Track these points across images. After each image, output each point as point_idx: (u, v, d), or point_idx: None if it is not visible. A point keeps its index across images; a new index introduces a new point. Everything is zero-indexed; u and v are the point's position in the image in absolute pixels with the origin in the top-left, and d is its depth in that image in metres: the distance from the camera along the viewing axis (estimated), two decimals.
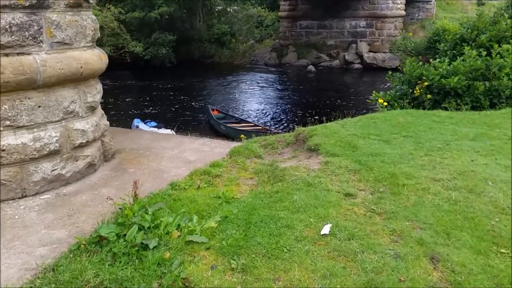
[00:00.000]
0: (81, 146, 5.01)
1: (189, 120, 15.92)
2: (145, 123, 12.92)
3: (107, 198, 4.22)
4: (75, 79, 4.83)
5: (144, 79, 23.90)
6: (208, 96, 20.52)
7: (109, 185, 4.94)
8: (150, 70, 25.79)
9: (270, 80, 25.13)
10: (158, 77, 24.11)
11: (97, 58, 5.13)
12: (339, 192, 4.36)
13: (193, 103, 18.46)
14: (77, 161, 4.98)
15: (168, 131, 11.98)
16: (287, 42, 30.86)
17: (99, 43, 22.15)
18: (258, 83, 23.88)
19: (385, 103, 8.69)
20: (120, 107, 17.55)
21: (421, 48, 24.72)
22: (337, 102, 18.77)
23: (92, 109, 5.21)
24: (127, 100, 19.48)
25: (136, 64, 26.32)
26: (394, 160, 5.06)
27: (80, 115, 4.99)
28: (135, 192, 4.06)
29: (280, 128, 14.51)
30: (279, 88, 22.84)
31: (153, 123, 13.01)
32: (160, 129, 11.70)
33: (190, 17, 29.83)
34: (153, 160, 5.93)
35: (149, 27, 26.17)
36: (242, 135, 9.91)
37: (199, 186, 4.71)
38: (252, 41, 33.21)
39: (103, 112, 5.74)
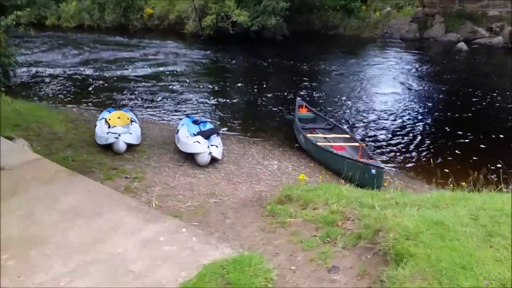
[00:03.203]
0: None
1: (278, 116, 11.72)
2: (193, 123, 9.24)
3: None
4: None
5: (247, 54, 20.25)
6: (318, 80, 15.91)
7: None
8: (258, 44, 22.01)
9: (405, 60, 19.35)
10: (263, 53, 20.21)
11: None
12: None
13: (295, 90, 14.01)
14: None
15: (218, 142, 8.12)
16: (434, 10, 24.27)
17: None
18: (388, 65, 18.36)
19: None
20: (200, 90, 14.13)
21: None
22: (501, 105, 12.58)
23: None
24: (214, 80, 16.01)
25: (244, 36, 22.77)
26: None
27: None
28: None
29: (392, 150, 9.49)
30: (413, 73, 17.09)
31: (204, 125, 9.25)
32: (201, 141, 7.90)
33: None
34: None
35: None
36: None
37: None
38: (389, 8, 27.07)
39: None
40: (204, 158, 7.44)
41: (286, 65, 17.95)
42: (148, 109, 12.06)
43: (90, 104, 12.33)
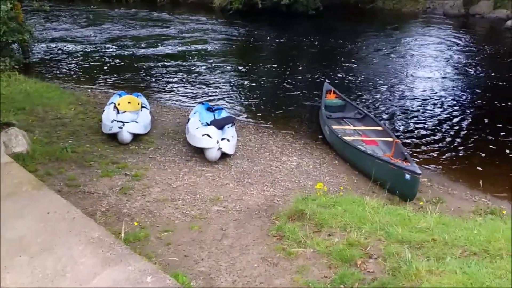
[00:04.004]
0: None
1: (304, 103, 10.72)
2: (208, 111, 8.45)
3: None
4: None
5: (276, 30, 19.09)
6: (352, 61, 14.66)
7: None
8: (288, 19, 20.74)
9: (449, 39, 17.71)
10: (294, 29, 19.00)
11: None
12: None
13: (325, 72, 12.90)
14: None
15: (232, 132, 7.30)
16: None
17: None
18: (430, 44, 16.82)
19: None
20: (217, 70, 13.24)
21: None
22: None
23: None
24: (234, 62, 15.05)
25: (274, 10, 21.54)
26: None
27: None
28: None
29: (431, 145, 8.36)
30: (458, 55, 15.53)
31: (219, 113, 8.44)
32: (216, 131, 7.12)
33: None
34: None
35: None
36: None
37: None
38: None
39: None
40: (212, 154, 6.63)
41: (318, 43, 16.73)
42: (166, 92, 11.32)
43: (106, 84, 11.71)
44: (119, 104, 8.51)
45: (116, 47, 15.67)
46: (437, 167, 7.52)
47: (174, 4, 25.99)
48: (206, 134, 6.82)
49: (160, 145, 7.48)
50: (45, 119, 8.15)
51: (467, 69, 13.55)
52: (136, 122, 7.53)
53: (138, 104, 8.58)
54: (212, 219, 4.85)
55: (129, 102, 8.63)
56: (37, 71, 12.42)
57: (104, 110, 8.23)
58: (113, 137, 7.40)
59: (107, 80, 12.03)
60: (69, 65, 13.37)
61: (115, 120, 7.45)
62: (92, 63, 13.60)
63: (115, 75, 12.47)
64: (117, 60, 13.97)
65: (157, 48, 15.58)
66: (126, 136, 7.21)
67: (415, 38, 18.18)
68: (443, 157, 7.81)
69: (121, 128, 7.17)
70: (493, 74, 12.88)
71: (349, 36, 17.59)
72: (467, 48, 16.30)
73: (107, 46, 15.81)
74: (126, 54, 14.80)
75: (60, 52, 14.70)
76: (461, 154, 7.97)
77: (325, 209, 4.30)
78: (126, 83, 11.71)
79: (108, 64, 13.53)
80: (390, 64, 14.09)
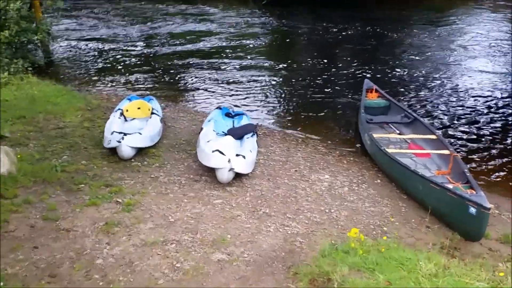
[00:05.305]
0: None
1: (340, 104, 9.32)
2: (226, 117, 7.32)
3: None
4: None
5: (312, 20, 17.59)
6: (397, 53, 13.00)
7: None
8: (326, 6, 19.11)
9: (502, 32, 15.49)
10: (332, 17, 17.36)
11: None
12: None
13: (366, 66, 11.35)
14: None
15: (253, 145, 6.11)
16: None
17: None
18: (484, 33, 14.73)
19: None
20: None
21: None
22: None
23: None
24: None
25: None
26: None
27: None
28: None
29: (496, 159, 6.75)
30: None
31: (240, 119, 7.28)
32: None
33: None
34: None
35: None
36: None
37: None
38: None
39: None
40: (224, 176, 5.44)
41: (358, 33, 15.10)
42: (186, 92, 10.25)
43: (125, 85, 10.76)
44: (127, 111, 7.50)
45: (143, 45, 14.71)
46: (505, 188, 5.96)
47: None
48: (217, 150, 5.63)
49: (168, 160, 6.38)
50: (44, 129, 7.26)
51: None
52: (139, 133, 6.46)
53: (149, 110, 7.53)
54: (209, 276, 3.66)
55: (138, 108, 7.60)
56: (54, 72, 11.70)
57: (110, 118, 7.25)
58: (114, 151, 6.38)
59: (127, 80, 11.06)
60: (88, 65, 12.55)
61: (116, 132, 6.41)
62: (114, 63, 12.71)
63: (136, 75, 11.47)
64: (141, 59, 13.00)
65: (186, 45, 14.47)
66: (126, 152, 6.16)
67: (469, 25, 16.13)
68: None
69: (120, 142, 6.12)
70: None
71: (392, 25, 15.79)
72: None
73: (132, 43, 14.88)
74: (150, 52, 13.82)
75: (81, 51, 13.91)
76: None
77: (360, 276, 3.01)
78: (146, 84, 10.73)
79: (130, 64, 12.59)
80: (440, 56, 12.31)
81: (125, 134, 6.30)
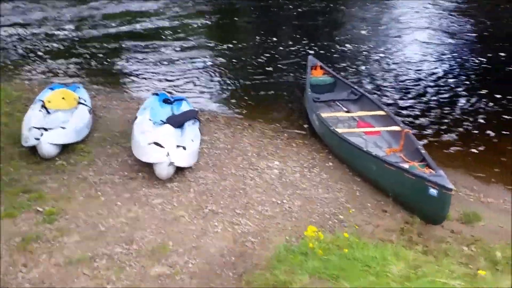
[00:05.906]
0: None
1: (286, 83, 8.84)
2: (164, 103, 6.65)
3: None
4: None
5: None
6: (338, 27, 12.62)
7: None
8: None
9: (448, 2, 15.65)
10: None
11: None
12: None
13: (310, 42, 10.85)
14: None
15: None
16: None
17: None
18: (426, 10, 14.74)
19: None
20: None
21: None
22: None
23: None
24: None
25: None
26: None
27: None
28: None
29: (450, 134, 6.59)
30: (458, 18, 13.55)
31: (179, 104, 6.64)
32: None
33: None
34: None
35: None
36: None
37: None
38: None
39: None
40: (163, 171, 4.83)
41: (312, 10, 14.55)
42: (122, 78, 9.37)
43: (53, 72, 9.64)
44: (49, 102, 6.59)
45: (72, 28, 13.34)
46: (460, 162, 5.81)
47: None
48: (154, 142, 5.00)
49: (99, 156, 5.65)
50: None
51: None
52: (63, 128, 5.66)
53: (75, 99, 6.69)
54: None
55: (63, 98, 6.72)
56: None
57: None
58: (35, 150, 5.56)
59: (52, 68, 9.92)
60: (9, 52, 11.21)
61: (34, 127, 5.58)
62: (39, 49, 11.39)
63: (63, 60, 10.34)
64: (70, 43, 11.78)
65: (121, 28, 13.26)
66: (46, 150, 5.37)
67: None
68: (467, 147, 6.11)
69: (39, 139, 5.32)
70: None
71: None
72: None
73: (61, 27, 13.48)
74: (81, 35, 12.60)
75: (11, 36, 12.41)
76: (492, 140, 6.26)
77: (322, 285, 2.58)
78: (74, 71, 9.70)
79: (57, 49, 11.35)
80: (387, 29, 12.15)
81: (45, 130, 5.50)
